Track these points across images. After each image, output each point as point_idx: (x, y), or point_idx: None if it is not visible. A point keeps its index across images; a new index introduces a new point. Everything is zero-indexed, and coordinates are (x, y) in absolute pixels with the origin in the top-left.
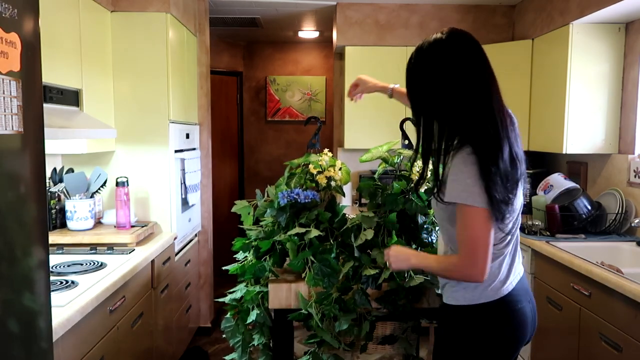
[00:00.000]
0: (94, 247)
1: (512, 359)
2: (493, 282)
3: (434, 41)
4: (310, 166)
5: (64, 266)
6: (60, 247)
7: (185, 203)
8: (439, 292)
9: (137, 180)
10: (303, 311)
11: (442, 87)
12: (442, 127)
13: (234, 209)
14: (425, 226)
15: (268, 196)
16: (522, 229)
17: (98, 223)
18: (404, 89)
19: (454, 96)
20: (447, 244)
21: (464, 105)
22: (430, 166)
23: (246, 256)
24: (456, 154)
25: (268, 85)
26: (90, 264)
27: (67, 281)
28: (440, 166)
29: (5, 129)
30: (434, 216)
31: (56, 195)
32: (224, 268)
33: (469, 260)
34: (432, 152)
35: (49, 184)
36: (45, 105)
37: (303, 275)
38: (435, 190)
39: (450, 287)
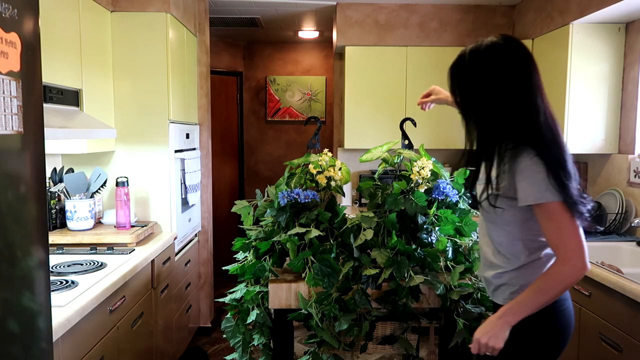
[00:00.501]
0: (94, 247)
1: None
2: None
3: (492, 44)
4: (310, 166)
5: (64, 266)
6: (60, 247)
7: (185, 203)
8: (489, 296)
9: (137, 180)
10: (303, 311)
11: (501, 90)
12: (496, 129)
13: (234, 209)
14: (425, 226)
15: (268, 196)
16: None
17: (98, 223)
18: None
19: (512, 99)
20: (496, 247)
21: (522, 108)
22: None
23: (246, 256)
24: (518, 157)
25: (268, 85)
26: (90, 264)
27: (67, 281)
28: (494, 168)
29: (5, 129)
30: (434, 216)
31: (56, 195)
32: (224, 268)
33: (574, 256)
34: (486, 154)
35: (49, 184)
36: (45, 105)
37: (303, 275)
38: (488, 193)
39: (508, 288)
